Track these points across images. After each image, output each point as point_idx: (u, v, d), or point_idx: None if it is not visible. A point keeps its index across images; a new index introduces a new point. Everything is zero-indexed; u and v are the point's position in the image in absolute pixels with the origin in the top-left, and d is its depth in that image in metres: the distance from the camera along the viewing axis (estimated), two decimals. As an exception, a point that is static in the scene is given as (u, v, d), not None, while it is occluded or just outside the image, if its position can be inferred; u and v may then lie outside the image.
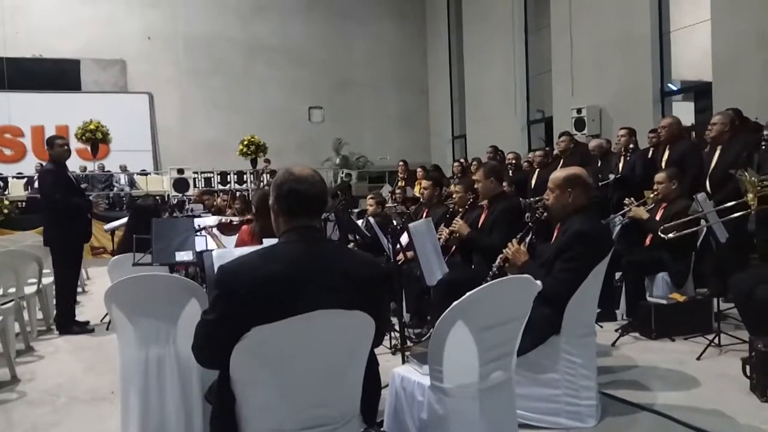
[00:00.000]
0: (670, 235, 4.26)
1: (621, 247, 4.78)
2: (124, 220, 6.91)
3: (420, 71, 17.14)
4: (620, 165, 6.51)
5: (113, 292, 2.90)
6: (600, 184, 6.14)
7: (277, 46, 16.09)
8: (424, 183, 6.07)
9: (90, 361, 4.56)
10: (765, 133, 5.25)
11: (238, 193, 11.64)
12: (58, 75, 14.75)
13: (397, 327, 4.13)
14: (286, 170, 1.92)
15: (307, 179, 1.89)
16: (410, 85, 17.02)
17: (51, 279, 5.69)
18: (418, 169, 10.74)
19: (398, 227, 4.57)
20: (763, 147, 5.14)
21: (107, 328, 5.34)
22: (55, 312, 5.54)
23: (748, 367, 3.32)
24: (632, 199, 5.06)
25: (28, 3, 14.49)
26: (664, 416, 3.04)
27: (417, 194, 9.18)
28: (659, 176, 4.90)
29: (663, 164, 5.72)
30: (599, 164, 7.06)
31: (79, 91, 15.02)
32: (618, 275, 4.88)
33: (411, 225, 3.99)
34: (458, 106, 15.66)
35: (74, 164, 5.31)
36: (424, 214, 5.54)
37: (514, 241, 3.33)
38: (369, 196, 6.62)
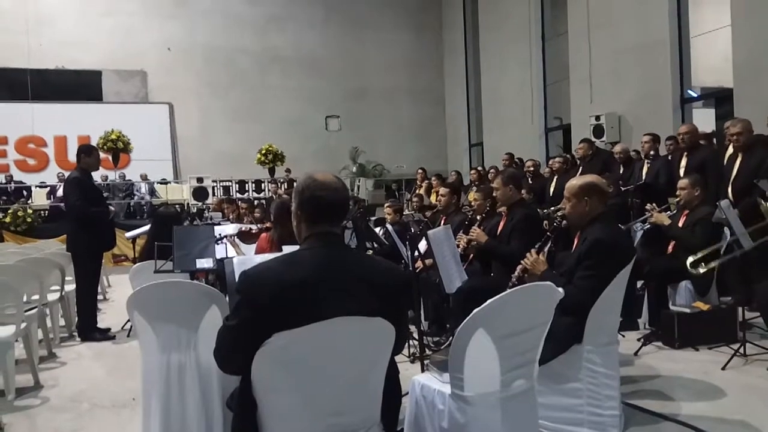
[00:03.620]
0: (701, 270, 4.21)
1: (643, 254, 4.73)
2: (146, 227, 6.99)
3: (436, 80, 17.18)
4: (644, 171, 6.46)
5: (135, 299, 2.93)
6: (623, 189, 6.09)
7: (294, 56, 16.25)
8: (442, 190, 6.06)
9: (111, 368, 4.60)
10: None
11: (256, 201, 11.73)
12: (80, 86, 15.04)
13: (415, 335, 4.11)
14: (308, 176, 1.92)
15: (330, 185, 1.89)
16: (427, 93, 17.05)
17: (73, 286, 5.77)
18: (433, 178, 10.73)
19: (417, 234, 4.56)
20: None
21: (128, 335, 5.40)
22: (77, 319, 5.61)
23: (775, 378, 3.26)
24: (654, 204, 5.01)
25: (51, 15, 14.82)
26: (688, 427, 2.99)
27: (434, 202, 9.17)
28: (682, 182, 4.84)
29: (681, 171, 5.68)
30: (621, 170, 7.01)
31: (101, 101, 15.30)
32: (640, 283, 4.81)
33: (430, 232, 3.99)
34: (475, 114, 15.64)
35: (96, 173, 5.39)
36: (442, 222, 5.52)
37: (533, 251, 3.31)
38: (386, 204, 6.62)
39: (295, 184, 2.06)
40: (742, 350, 3.94)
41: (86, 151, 5.56)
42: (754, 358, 3.92)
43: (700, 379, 3.70)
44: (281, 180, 13.35)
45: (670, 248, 4.79)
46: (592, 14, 10.54)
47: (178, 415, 2.89)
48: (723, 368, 3.81)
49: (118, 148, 12.80)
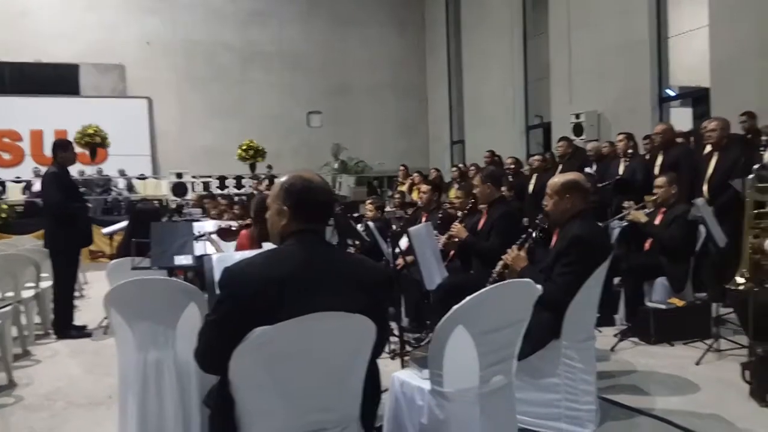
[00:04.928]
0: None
1: (620, 251, 4.80)
2: (124, 223, 6.89)
3: (419, 77, 17.19)
4: (620, 168, 6.56)
5: (112, 296, 2.90)
6: (599, 186, 6.18)
7: (276, 51, 16.13)
8: (423, 187, 6.08)
9: (88, 366, 4.54)
10: (764, 138, 5.28)
11: (236, 198, 11.64)
12: (57, 79, 14.74)
13: (396, 332, 4.12)
14: (299, 176, 1.94)
15: (321, 186, 1.93)
16: (409, 90, 17.05)
17: (49, 283, 5.68)
18: (415, 174, 10.75)
19: (398, 231, 4.57)
20: (761, 151, 5.17)
21: (105, 332, 5.33)
22: (53, 316, 5.52)
23: (747, 372, 3.33)
24: (632, 202, 5.08)
25: (29, 8, 14.51)
26: (663, 421, 3.04)
27: (415, 199, 9.18)
28: (659, 180, 4.91)
29: (657, 170, 5.78)
30: (594, 168, 7.11)
31: (78, 95, 15.02)
32: (617, 280, 4.88)
33: (411, 229, 4.00)
34: (457, 112, 15.70)
35: (73, 168, 5.29)
36: (423, 219, 5.54)
37: (514, 247, 3.34)
38: (368, 201, 6.62)
39: (277, 180, 2.05)
40: (716, 345, 4.02)
41: (62, 146, 5.50)
42: (727, 354, 3.99)
43: (674, 374, 3.76)
44: (262, 176, 13.25)
45: (646, 245, 4.86)
46: (572, 14, 10.63)
47: (155, 412, 2.87)
48: (697, 363, 3.88)
49: (96, 143, 12.59)
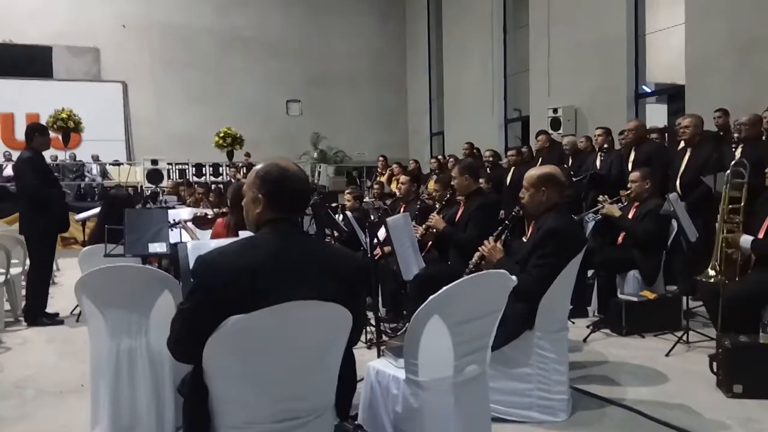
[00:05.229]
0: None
1: (594, 244, 4.87)
2: (97, 210, 6.77)
3: (399, 68, 17.14)
4: (597, 163, 6.65)
5: (84, 283, 2.85)
6: (574, 179, 6.26)
7: (255, 37, 15.93)
8: (402, 178, 6.09)
9: (59, 354, 4.47)
10: (735, 135, 5.38)
11: (213, 186, 11.50)
12: (29, 61, 14.36)
13: (372, 321, 4.13)
14: (274, 164, 1.91)
15: (297, 174, 1.91)
16: (389, 82, 17.00)
17: (19, 270, 5.56)
18: (394, 165, 10.75)
19: (376, 221, 4.57)
20: (733, 148, 5.27)
21: (77, 320, 5.25)
22: (24, 303, 5.42)
23: (714, 364, 3.41)
24: (606, 196, 5.15)
25: (-1, -14, 14.11)
26: (632, 411, 3.10)
27: (394, 190, 9.20)
28: (633, 175, 4.99)
29: (630, 165, 5.89)
30: (570, 162, 7.20)
31: (51, 78, 14.66)
32: (590, 273, 4.95)
33: (389, 219, 4.00)
34: (437, 104, 15.71)
35: (45, 153, 5.16)
36: (402, 209, 5.55)
37: (490, 238, 3.37)
38: (347, 191, 6.60)
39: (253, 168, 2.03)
40: (685, 338, 4.12)
41: (40, 129, 5.39)
42: (696, 345, 4.09)
43: (645, 365, 3.84)
44: (240, 164, 13.12)
45: (619, 239, 4.94)
46: (552, 8, 10.69)
47: (128, 401, 2.84)
48: (667, 354, 3.97)
49: (69, 128, 12.31)
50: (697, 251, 4.34)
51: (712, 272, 3.66)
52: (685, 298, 4.36)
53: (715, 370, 3.40)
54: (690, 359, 3.90)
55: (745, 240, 3.66)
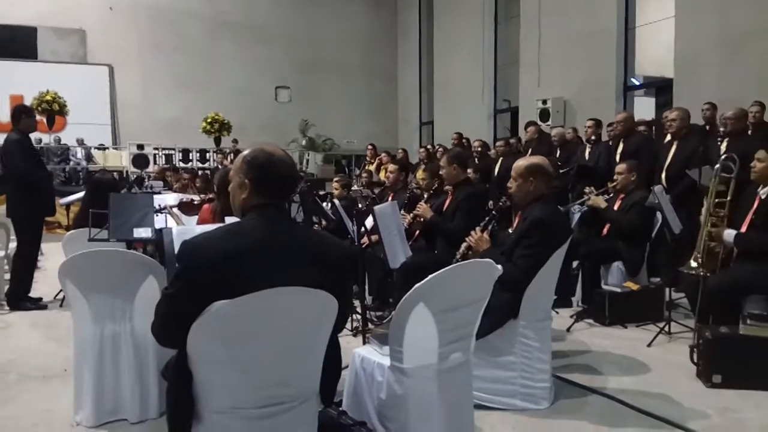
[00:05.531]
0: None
1: (579, 235, 4.90)
2: (81, 194, 6.70)
3: (390, 57, 17.06)
4: (586, 154, 6.69)
5: (67, 268, 2.83)
6: (561, 171, 6.29)
7: (245, 22, 15.76)
8: (391, 167, 6.08)
9: (42, 338, 4.44)
10: (721, 129, 5.43)
11: (200, 172, 11.42)
12: (13, 42, 14.11)
13: (359, 309, 4.14)
14: (261, 149, 1.90)
15: (283, 160, 1.90)
16: (380, 70, 16.92)
17: (2, 253, 5.50)
18: (383, 154, 10.74)
19: (364, 209, 4.57)
20: (719, 142, 5.32)
21: (61, 305, 5.20)
22: (6, 287, 5.36)
23: (695, 354, 3.47)
24: (592, 188, 5.18)
25: (-19, -36, 13.82)
26: (614, 399, 3.15)
27: (383, 178, 9.18)
28: (620, 167, 5.02)
29: (618, 157, 5.93)
30: (558, 153, 7.23)
31: (36, 60, 14.43)
32: (575, 263, 4.99)
33: (376, 207, 4.00)
34: (427, 93, 15.68)
35: (30, 136, 5.12)
36: (390, 198, 5.55)
37: (477, 229, 3.38)
38: (335, 179, 6.58)
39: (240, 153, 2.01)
40: (667, 328, 4.17)
41: (27, 111, 5.34)
42: (677, 336, 4.15)
43: (627, 354, 3.89)
44: (228, 150, 13.03)
45: (605, 230, 4.98)
46: (543, 0, 10.69)
47: (112, 386, 2.84)
48: (649, 345, 4.02)
49: (54, 110, 12.15)
50: (680, 243, 4.38)
51: (694, 263, 3.70)
52: (667, 290, 4.42)
53: (695, 360, 3.45)
54: (671, 350, 3.95)
55: (729, 234, 3.70)
